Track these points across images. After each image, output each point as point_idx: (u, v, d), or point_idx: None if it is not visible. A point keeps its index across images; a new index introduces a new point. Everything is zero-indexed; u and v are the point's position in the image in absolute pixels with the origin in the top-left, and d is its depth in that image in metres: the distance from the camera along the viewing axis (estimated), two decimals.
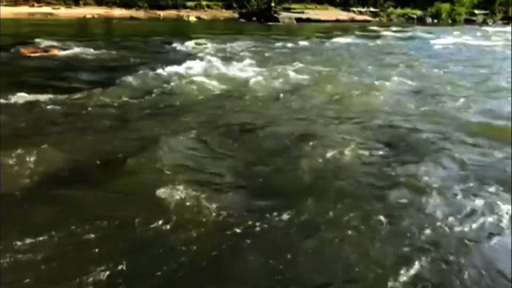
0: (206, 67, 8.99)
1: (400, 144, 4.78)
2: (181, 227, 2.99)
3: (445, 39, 18.07)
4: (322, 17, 30.09)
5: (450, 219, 3.21)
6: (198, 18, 29.37)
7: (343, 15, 32.44)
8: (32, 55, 10.62)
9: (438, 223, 3.15)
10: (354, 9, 36.01)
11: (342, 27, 24.77)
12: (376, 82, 8.04)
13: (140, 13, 29.92)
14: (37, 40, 12.77)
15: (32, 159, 3.86)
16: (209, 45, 13.50)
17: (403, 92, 7.48)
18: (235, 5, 34.60)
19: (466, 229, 3.10)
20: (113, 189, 3.52)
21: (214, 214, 3.17)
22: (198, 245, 2.81)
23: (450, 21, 33.88)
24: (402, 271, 2.62)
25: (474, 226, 3.14)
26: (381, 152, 4.51)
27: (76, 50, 11.49)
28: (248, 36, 16.78)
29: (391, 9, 36.86)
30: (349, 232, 3.00)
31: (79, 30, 19.87)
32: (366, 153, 4.45)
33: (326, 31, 21.34)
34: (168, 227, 2.98)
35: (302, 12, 30.89)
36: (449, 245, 2.92)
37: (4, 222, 2.94)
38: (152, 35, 16.25)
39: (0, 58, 9.89)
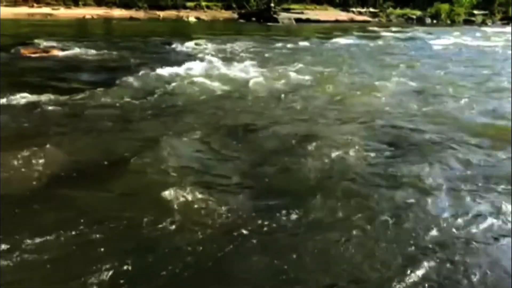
0: (207, 68, 8.99)
1: (403, 145, 4.78)
2: (186, 227, 2.98)
3: (445, 40, 18.07)
4: (322, 18, 30.06)
5: (452, 219, 3.20)
6: (198, 18, 29.35)
7: (342, 15, 32.42)
8: (32, 55, 10.61)
9: (441, 223, 3.14)
10: (354, 9, 36.01)
11: (341, 28, 24.76)
12: (377, 83, 8.03)
13: (140, 14, 29.90)
14: (36, 40, 12.78)
15: (33, 159, 3.85)
16: (209, 45, 13.49)
17: (404, 93, 7.46)
18: (234, 5, 34.61)
19: (469, 229, 3.09)
20: (116, 189, 3.51)
21: (218, 214, 3.16)
22: (203, 245, 2.80)
23: (449, 22, 33.89)
24: (406, 272, 2.61)
25: (476, 226, 3.13)
26: (383, 152, 4.50)
27: (76, 50, 11.49)
28: (247, 37, 16.78)
29: (390, 10, 36.86)
30: (354, 232, 2.99)
31: (78, 31, 19.85)
32: (369, 153, 4.44)
33: (325, 32, 21.35)
34: (172, 227, 2.97)
35: (302, 13, 30.86)
36: (451, 245, 2.91)
37: (5, 223, 2.93)
38: (152, 36, 16.23)
39: (0, 58, 9.87)
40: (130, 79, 7.54)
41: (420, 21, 33.44)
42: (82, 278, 2.46)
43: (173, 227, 2.98)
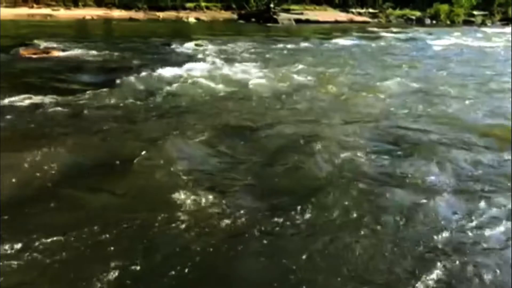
0: (208, 69, 8.99)
1: (405, 145, 4.76)
2: (192, 228, 2.97)
3: (445, 40, 18.07)
4: (321, 18, 30.05)
5: (456, 219, 3.20)
6: (197, 19, 29.35)
7: (342, 16, 32.42)
8: (32, 56, 10.59)
9: (444, 224, 3.13)
10: (353, 10, 36.04)
11: (341, 28, 24.77)
12: (378, 83, 8.02)
13: (140, 15, 29.94)
14: (36, 41, 12.74)
15: (35, 160, 3.84)
16: (209, 46, 13.47)
17: (406, 93, 7.45)
18: (234, 6, 34.63)
19: (472, 229, 3.08)
20: (119, 190, 3.48)
21: (224, 214, 3.15)
22: (209, 246, 2.79)
23: (448, 22, 33.91)
24: (411, 273, 2.60)
25: (479, 226, 3.12)
26: (387, 153, 4.48)
27: (76, 51, 11.47)
28: (247, 37, 16.77)
29: (389, 10, 36.90)
30: (360, 233, 2.98)
31: (78, 32, 19.84)
32: (372, 153, 4.43)
33: (325, 32, 21.35)
34: (178, 228, 2.96)
35: (301, 13, 30.87)
36: (456, 245, 2.89)
37: (7, 223, 2.92)
38: (152, 36, 16.22)
39: (0, 59, 9.86)
40: (131, 80, 7.52)
41: (420, 22, 33.44)
42: (84, 278, 2.44)
43: (179, 227, 2.96)
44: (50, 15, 26.94)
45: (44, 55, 10.85)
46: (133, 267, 2.55)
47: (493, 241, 2.96)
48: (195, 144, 4.54)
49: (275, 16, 28.73)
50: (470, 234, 3.03)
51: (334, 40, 16.96)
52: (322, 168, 4.03)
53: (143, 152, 4.10)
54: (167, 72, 8.23)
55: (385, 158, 4.34)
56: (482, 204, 3.43)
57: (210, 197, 3.35)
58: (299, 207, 3.24)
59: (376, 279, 2.57)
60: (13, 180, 3.54)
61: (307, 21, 28.86)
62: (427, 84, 8.35)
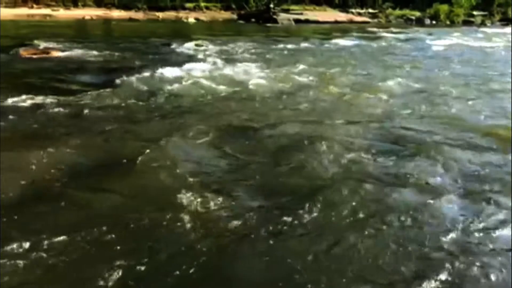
0: (208, 69, 8.97)
1: (408, 145, 4.74)
2: (194, 228, 2.95)
3: (445, 40, 18.05)
4: (321, 19, 30.04)
5: (458, 220, 3.18)
6: (197, 19, 29.33)
7: (341, 16, 32.39)
8: (32, 56, 10.58)
9: (446, 225, 3.12)
10: (353, 10, 36.03)
11: (341, 28, 24.76)
12: (380, 84, 8.01)
13: (139, 15, 29.94)
14: (36, 41, 12.72)
15: (36, 160, 3.83)
16: (209, 46, 13.45)
17: (407, 93, 7.44)
18: (233, 6, 34.63)
19: (476, 231, 3.06)
20: (122, 190, 3.47)
21: (227, 214, 3.15)
22: (212, 246, 2.78)
23: (448, 22, 33.90)
24: (413, 273, 2.59)
25: (480, 227, 3.12)
26: (389, 153, 4.47)
27: (76, 51, 11.46)
28: (247, 38, 16.75)
29: (389, 10, 36.90)
30: (362, 234, 2.96)
31: (78, 32, 19.83)
32: (375, 153, 4.42)
33: (325, 33, 21.34)
34: (180, 227, 2.95)
35: (301, 14, 30.86)
36: (458, 246, 2.88)
37: (10, 222, 2.91)
38: (151, 37, 16.21)
39: (0, 59, 9.84)
40: (132, 80, 7.50)
41: (420, 22, 33.44)
42: (87, 278, 2.43)
43: (183, 227, 2.95)
44: (50, 15, 26.93)
45: (44, 55, 10.84)
46: (136, 267, 2.53)
47: (499, 242, 2.95)
48: (197, 144, 4.53)
49: (274, 16, 28.72)
50: (474, 234, 3.02)
51: (334, 40, 16.94)
52: (326, 168, 4.02)
53: (146, 153, 4.08)
54: (167, 72, 8.20)
55: (388, 158, 4.32)
56: (487, 205, 3.42)
57: (214, 197, 3.34)
58: (303, 207, 3.22)
59: (380, 280, 2.55)
60: (15, 180, 3.52)
61: (307, 21, 28.85)
62: (428, 84, 8.34)
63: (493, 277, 2.60)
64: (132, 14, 29.87)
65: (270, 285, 2.50)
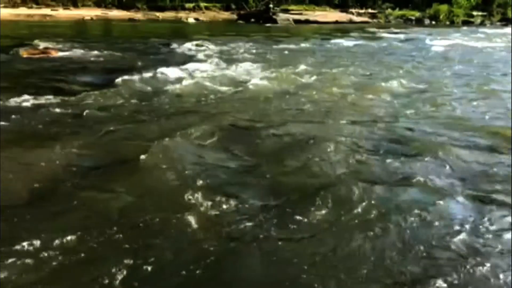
0: (209, 69, 8.97)
1: (412, 146, 4.73)
2: (199, 228, 2.95)
3: (445, 41, 18.02)
4: (321, 19, 30.03)
5: (463, 221, 3.17)
6: (197, 19, 29.31)
7: (341, 16, 32.37)
8: (32, 56, 10.55)
9: (452, 225, 3.10)
10: (352, 10, 36.01)
11: (341, 29, 24.75)
12: (382, 84, 7.99)
13: (139, 15, 29.92)
14: (36, 42, 12.70)
15: (38, 161, 3.83)
16: (209, 46, 13.43)
17: (409, 93, 7.43)
18: (233, 6, 34.61)
19: (481, 231, 3.05)
20: (125, 190, 3.45)
21: (232, 214, 3.14)
22: (218, 246, 2.77)
23: (448, 23, 33.90)
24: (417, 274, 2.58)
25: (488, 228, 3.10)
26: (393, 153, 4.46)
27: (76, 51, 11.45)
28: (247, 38, 16.75)
29: (389, 11, 36.87)
30: (368, 234, 2.95)
31: (78, 32, 19.80)
32: (379, 153, 4.42)
33: (325, 33, 21.34)
34: (184, 227, 2.94)
35: (301, 14, 30.85)
36: (462, 246, 2.87)
37: (12, 223, 2.91)
38: (151, 37, 16.19)
39: (0, 59, 9.82)
40: (133, 80, 7.49)
41: (419, 22, 33.45)
42: (91, 277, 2.43)
43: (187, 227, 2.95)
44: (49, 15, 26.90)
45: (44, 55, 10.82)
46: (142, 267, 2.53)
47: (505, 243, 2.93)
48: (201, 144, 4.51)
49: (274, 17, 28.70)
50: (481, 235, 3.01)
51: (334, 41, 16.94)
52: (330, 168, 4.01)
53: (149, 153, 4.07)
54: (168, 72, 8.20)
55: (393, 158, 4.30)
56: (493, 205, 3.41)
57: (220, 197, 3.32)
58: (309, 208, 3.22)
59: (388, 280, 2.54)
60: (18, 180, 3.52)
61: (307, 22, 28.85)
62: (430, 84, 8.33)
63: (498, 278, 2.58)
64: (131, 14, 29.85)
65: (276, 285, 2.49)
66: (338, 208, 3.26)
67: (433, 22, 33.69)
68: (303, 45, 15.29)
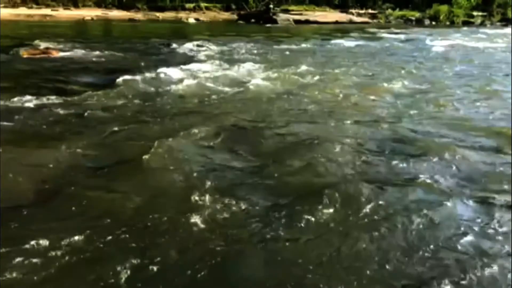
0: (210, 69, 8.96)
1: (416, 146, 4.71)
2: (203, 228, 2.95)
3: (446, 41, 18.00)
4: (321, 19, 30.00)
5: (465, 220, 3.17)
6: (197, 19, 29.28)
7: (341, 17, 32.33)
8: (32, 57, 10.53)
9: (455, 226, 3.10)
10: (353, 11, 36.00)
11: (341, 29, 24.73)
12: (383, 84, 7.99)
13: (139, 15, 29.90)
14: (36, 42, 12.69)
15: (42, 161, 3.83)
16: (210, 46, 13.42)
17: (411, 94, 7.42)
18: (233, 7, 34.61)
19: (485, 232, 3.05)
20: (129, 190, 3.45)
21: (236, 214, 3.15)
22: (223, 246, 2.77)
23: (448, 23, 33.89)
24: (421, 275, 2.58)
25: (492, 228, 3.10)
26: (395, 153, 4.46)
27: (77, 52, 11.44)
28: (248, 38, 16.74)
29: (389, 11, 36.85)
30: (372, 235, 2.94)
31: (78, 32, 19.78)
32: (383, 154, 4.42)
33: (325, 33, 21.32)
34: (188, 227, 2.94)
35: (301, 14, 30.83)
36: (466, 247, 2.86)
37: (15, 223, 2.90)
38: (152, 37, 16.19)
39: (0, 59, 9.79)
40: (134, 80, 7.47)
41: (419, 23, 33.41)
42: (95, 277, 2.43)
43: (191, 226, 2.95)
44: (50, 16, 26.88)
45: (44, 55, 10.80)
46: (145, 267, 2.53)
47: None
48: (204, 144, 4.50)
49: (274, 17, 28.67)
50: (486, 236, 3.00)
51: (335, 41, 16.93)
52: (334, 168, 4.00)
53: (153, 153, 4.06)
54: (169, 72, 8.19)
55: (397, 158, 4.30)
56: (497, 206, 3.40)
57: (224, 197, 3.32)
58: (314, 208, 3.21)
59: (393, 282, 2.53)
60: (22, 180, 3.52)
61: (307, 22, 28.82)
62: (432, 85, 8.32)
63: (505, 280, 2.57)
64: (132, 14, 29.83)
65: (282, 286, 2.47)
66: (343, 209, 3.25)
67: (433, 23, 33.66)
68: (304, 45, 15.28)
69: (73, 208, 3.15)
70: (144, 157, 3.97)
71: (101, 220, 2.98)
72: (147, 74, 7.99)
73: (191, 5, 34.02)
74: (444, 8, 34.98)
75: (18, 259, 2.52)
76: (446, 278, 2.54)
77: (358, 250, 2.80)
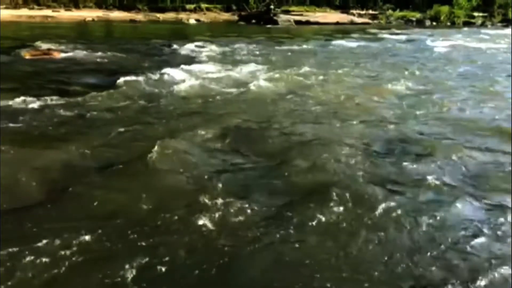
0: (212, 70, 8.94)
1: (420, 147, 4.70)
2: (206, 228, 2.95)
3: (447, 41, 18.00)
4: (321, 20, 30.00)
5: (470, 221, 3.17)
6: (198, 20, 29.31)
7: (342, 17, 32.35)
8: (34, 58, 10.52)
9: (460, 226, 3.10)
10: (353, 11, 36.03)
11: (342, 30, 24.73)
12: (387, 85, 7.98)
13: (140, 16, 29.93)
14: (37, 43, 12.68)
15: (45, 161, 3.83)
16: (211, 47, 13.40)
17: (414, 94, 7.41)
18: (234, 7, 34.64)
19: (489, 233, 3.04)
20: (132, 190, 3.45)
21: (240, 214, 3.14)
22: (227, 246, 2.77)
23: (449, 24, 33.90)
24: (423, 275, 2.58)
25: (495, 229, 3.09)
26: (398, 154, 4.47)
27: (77, 52, 11.43)
28: (249, 39, 16.74)
29: (390, 12, 36.90)
30: (375, 235, 2.93)
31: (79, 33, 19.79)
32: (387, 154, 4.42)
33: (326, 34, 21.31)
34: (191, 227, 2.94)
35: (301, 15, 30.85)
36: (468, 248, 2.86)
37: (17, 224, 2.90)
38: (153, 38, 16.19)
39: (2, 60, 9.78)
40: (135, 81, 7.45)
41: (420, 23, 33.41)
42: (99, 277, 2.43)
43: (195, 226, 2.95)
44: (51, 17, 26.91)
45: (45, 56, 10.79)
46: (152, 266, 2.53)
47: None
48: (207, 145, 4.50)
49: (275, 18, 28.68)
50: (493, 237, 2.99)
51: (336, 42, 16.92)
52: (339, 169, 3.99)
53: (157, 154, 4.05)
54: (171, 73, 8.16)
55: (402, 159, 4.30)
56: (502, 206, 3.39)
57: (230, 198, 3.32)
58: (318, 209, 3.20)
59: (398, 283, 2.52)
60: (28, 180, 3.51)
61: (308, 23, 28.83)
62: (435, 85, 8.31)
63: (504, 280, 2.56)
64: (132, 15, 29.87)
65: (289, 287, 2.47)
66: (351, 209, 3.24)
67: (434, 23, 33.67)
68: (305, 46, 15.28)
69: (81, 208, 3.16)
70: (150, 157, 3.96)
71: (108, 220, 2.98)
72: (150, 75, 7.96)
73: (192, 6, 34.09)
74: (444, 8, 35.01)
75: (28, 259, 2.52)
76: (454, 280, 2.53)
77: (366, 251, 2.79)
